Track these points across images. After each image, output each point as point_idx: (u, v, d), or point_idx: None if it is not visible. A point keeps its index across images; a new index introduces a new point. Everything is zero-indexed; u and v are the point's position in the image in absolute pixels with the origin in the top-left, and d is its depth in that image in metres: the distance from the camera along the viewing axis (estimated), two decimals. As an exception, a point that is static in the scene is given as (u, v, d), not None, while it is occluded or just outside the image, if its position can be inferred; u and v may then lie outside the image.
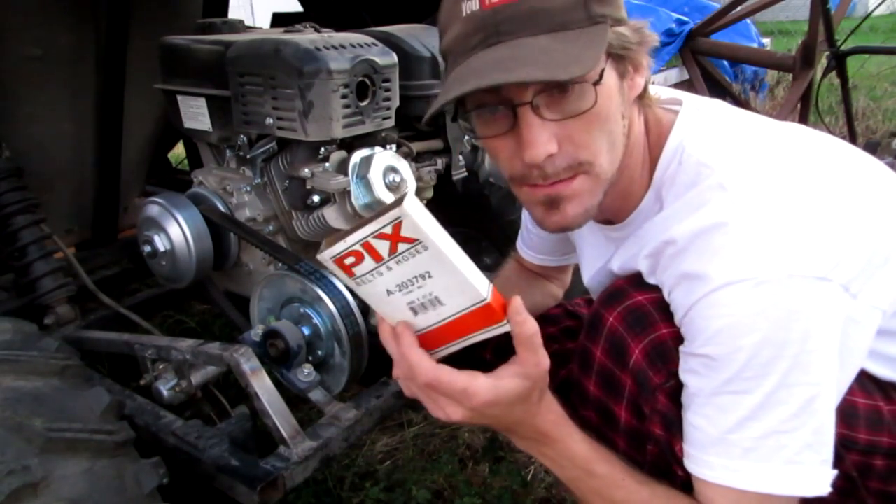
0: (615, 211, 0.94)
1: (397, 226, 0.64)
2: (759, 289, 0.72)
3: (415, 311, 0.71)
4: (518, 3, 0.75)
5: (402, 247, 0.65)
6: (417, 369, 0.73)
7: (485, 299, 0.69)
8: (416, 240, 0.65)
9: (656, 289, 0.86)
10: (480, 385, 0.72)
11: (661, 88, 0.98)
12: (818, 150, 0.87)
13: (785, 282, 0.72)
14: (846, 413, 0.84)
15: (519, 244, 1.32)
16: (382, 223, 0.64)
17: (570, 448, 0.82)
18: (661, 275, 0.84)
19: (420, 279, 0.68)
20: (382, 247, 0.65)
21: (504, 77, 0.72)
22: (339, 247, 0.67)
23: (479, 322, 0.71)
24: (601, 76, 0.76)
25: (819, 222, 0.75)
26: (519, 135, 0.78)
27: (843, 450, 0.84)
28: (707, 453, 0.77)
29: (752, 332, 0.72)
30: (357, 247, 0.66)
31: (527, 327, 0.72)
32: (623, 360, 0.87)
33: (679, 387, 0.81)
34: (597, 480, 0.82)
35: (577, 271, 1.59)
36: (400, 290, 0.69)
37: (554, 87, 0.75)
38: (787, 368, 0.72)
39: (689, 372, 0.79)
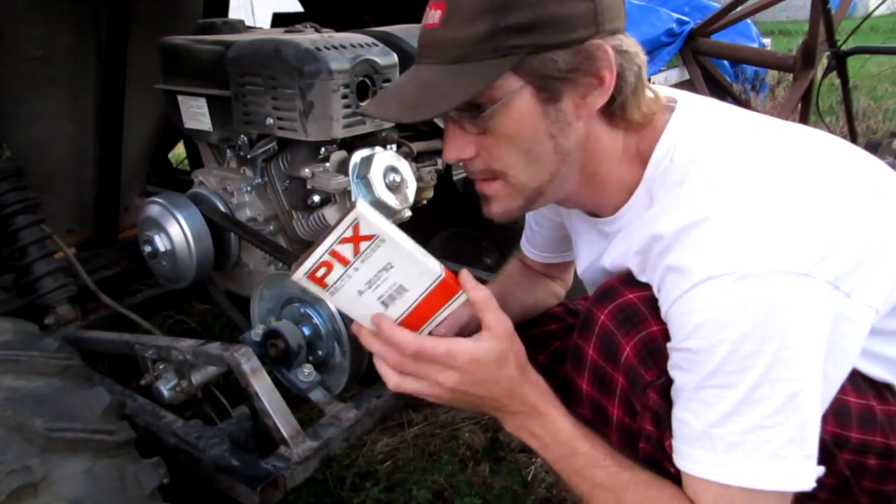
0: (597, 207, 0.95)
1: (356, 227, 0.75)
2: (741, 283, 0.72)
3: (385, 305, 0.81)
4: (436, 30, 0.82)
5: (363, 245, 0.76)
6: (402, 343, 0.80)
7: (440, 275, 0.80)
8: (373, 236, 0.76)
9: (647, 287, 0.86)
10: (461, 345, 0.81)
11: (659, 88, 0.99)
12: (813, 148, 0.87)
13: (767, 276, 0.72)
14: (838, 412, 0.84)
15: (523, 243, 1.33)
16: (343, 227, 0.74)
17: (556, 423, 0.86)
18: (650, 272, 0.85)
19: (384, 272, 0.78)
20: (347, 250, 0.76)
21: (375, 111, 0.87)
22: (310, 262, 0.76)
23: (440, 299, 0.81)
24: (496, 102, 0.81)
25: (805, 219, 0.76)
26: (445, 136, 0.88)
27: (836, 448, 0.84)
28: (692, 447, 0.78)
29: (733, 325, 0.72)
30: (326, 257, 0.76)
31: (481, 292, 0.83)
32: (615, 358, 0.88)
33: (670, 383, 0.82)
34: (580, 458, 0.84)
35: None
36: (369, 287, 0.79)
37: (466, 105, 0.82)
38: (769, 363, 0.72)
39: (675, 367, 0.80)
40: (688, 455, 0.78)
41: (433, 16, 0.82)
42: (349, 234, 0.75)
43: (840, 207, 0.79)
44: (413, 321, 0.82)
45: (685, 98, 0.93)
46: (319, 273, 0.77)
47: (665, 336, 0.82)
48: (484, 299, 0.83)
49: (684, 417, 0.79)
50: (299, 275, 0.77)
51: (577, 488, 0.86)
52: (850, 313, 0.77)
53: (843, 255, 0.76)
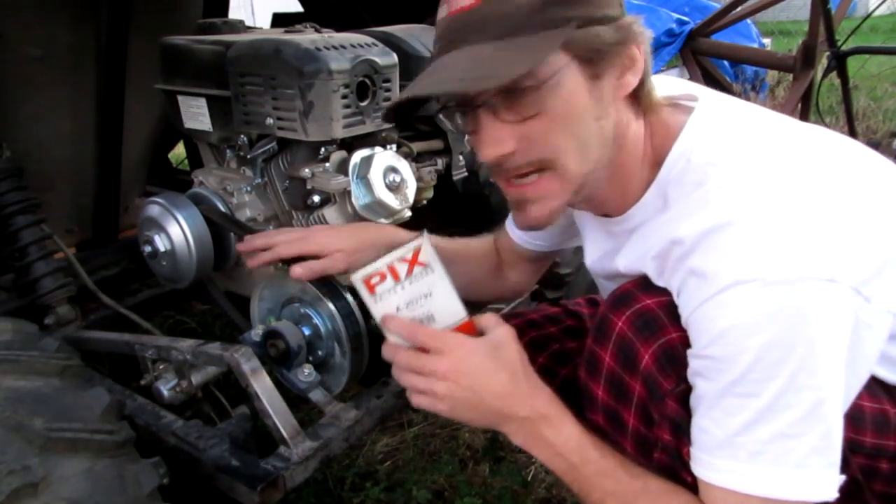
0: (614, 206, 0.94)
1: (417, 251, 0.88)
2: (768, 290, 0.71)
3: None
4: (474, 11, 0.77)
5: (416, 269, 0.88)
6: (400, 326, 0.89)
7: (464, 317, 0.91)
8: (427, 264, 0.88)
9: (665, 292, 0.85)
10: (448, 333, 0.89)
11: (675, 81, 0.96)
12: (832, 151, 0.86)
13: (794, 283, 0.71)
14: (853, 416, 0.83)
15: (509, 225, 1.28)
16: (407, 249, 0.88)
17: (566, 428, 0.85)
18: (669, 277, 0.83)
19: (423, 298, 0.90)
20: (402, 269, 0.88)
21: (417, 91, 0.80)
22: (370, 268, 0.88)
23: None
24: (549, 79, 0.77)
25: (828, 224, 0.75)
26: (479, 133, 0.82)
27: (850, 453, 0.83)
28: (713, 456, 0.77)
29: (759, 333, 0.71)
30: (384, 268, 0.88)
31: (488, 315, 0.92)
32: (633, 365, 0.87)
33: (689, 390, 0.81)
34: (590, 467, 0.83)
35: (576, 271, 1.58)
36: (407, 307, 0.90)
37: (509, 89, 0.78)
38: (795, 371, 0.71)
39: (696, 374, 0.79)
40: (708, 463, 0.77)
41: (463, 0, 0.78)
42: (409, 256, 0.88)
43: (861, 212, 0.78)
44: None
45: (705, 96, 0.91)
46: (374, 280, 0.88)
47: (684, 343, 0.81)
48: (488, 315, 0.91)
49: (705, 425, 0.77)
50: (357, 277, 0.88)
51: (588, 498, 0.85)
52: (870, 319, 0.76)
53: (865, 259, 0.75)
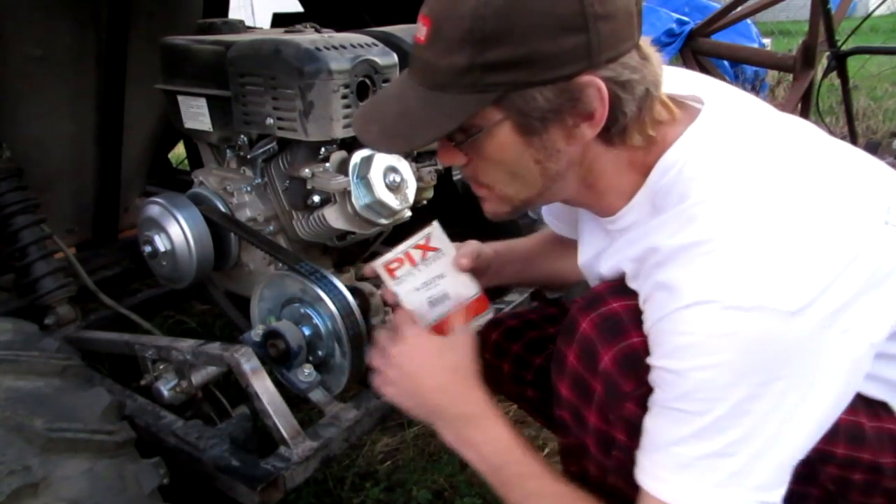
0: (600, 209, 0.93)
1: (428, 238, 1.02)
2: (725, 313, 0.71)
3: (431, 304, 1.04)
4: (423, 48, 0.80)
5: (429, 254, 1.03)
6: (398, 314, 1.00)
7: (476, 294, 1.05)
8: (438, 249, 1.03)
9: (633, 295, 0.85)
10: (413, 326, 0.97)
11: (687, 76, 0.95)
12: (832, 170, 0.82)
13: (751, 311, 0.70)
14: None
15: (545, 215, 1.28)
16: (419, 236, 1.02)
17: (493, 430, 0.89)
18: (641, 282, 0.84)
19: (437, 279, 1.03)
20: (417, 254, 1.02)
21: (357, 129, 0.90)
22: (390, 255, 1.02)
23: (472, 311, 1.05)
24: (478, 132, 0.81)
25: (806, 254, 0.72)
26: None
27: (819, 463, 0.84)
28: (648, 459, 0.79)
29: (712, 354, 0.71)
30: (401, 255, 1.02)
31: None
32: (593, 366, 0.88)
33: (649, 394, 0.81)
34: (513, 468, 0.87)
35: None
36: (424, 287, 1.03)
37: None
38: (741, 398, 0.72)
39: (651, 381, 0.80)
40: (642, 465, 0.80)
41: (421, 30, 0.80)
42: (422, 242, 1.02)
43: (846, 240, 0.75)
44: (448, 324, 1.03)
45: (714, 99, 0.87)
46: (393, 265, 1.02)
47: (646, 348, 0.81)
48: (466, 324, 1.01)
49: (649, 428, 0.80)
50: (378, 263, 1.02)
51: (507, 498, 0.87)
52: (845, 350, 0.74)
53: (842, 291, 0.72)
